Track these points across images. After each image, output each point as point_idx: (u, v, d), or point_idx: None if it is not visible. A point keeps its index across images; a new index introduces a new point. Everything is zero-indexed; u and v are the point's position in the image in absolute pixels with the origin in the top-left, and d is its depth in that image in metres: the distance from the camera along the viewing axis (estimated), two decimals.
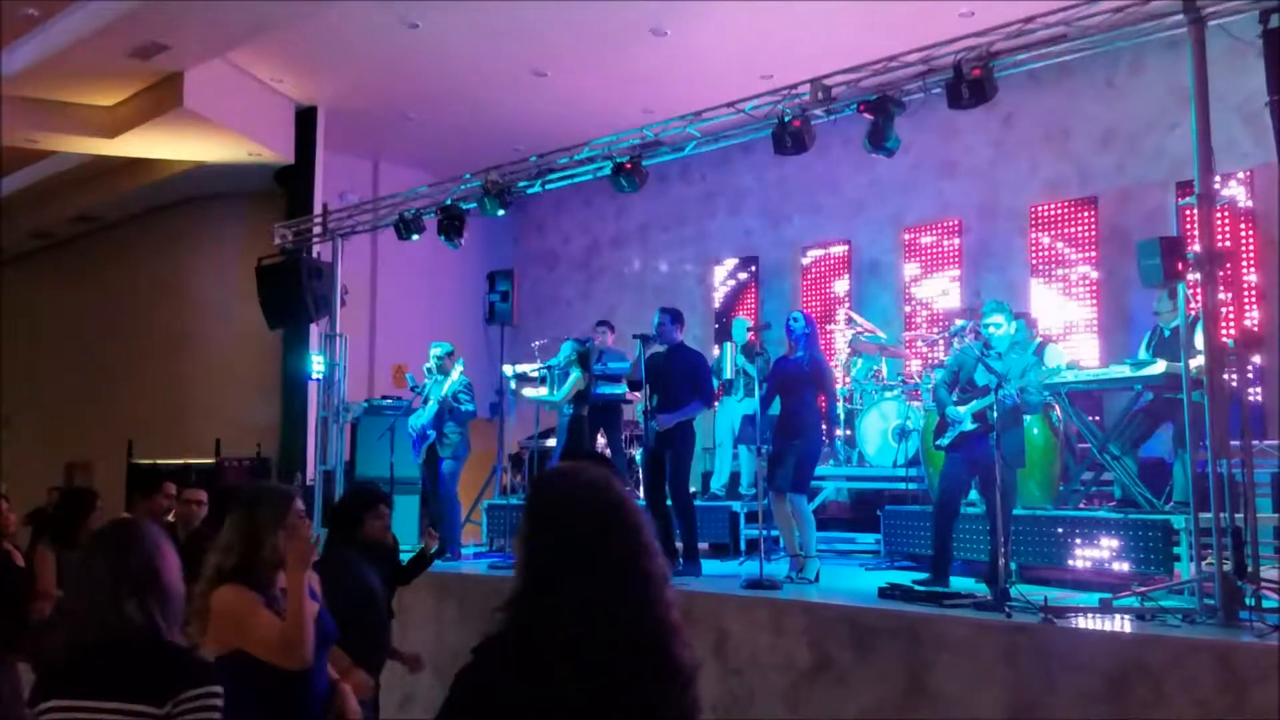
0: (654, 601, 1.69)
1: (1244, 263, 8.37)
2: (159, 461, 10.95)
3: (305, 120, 11.10)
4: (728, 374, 8.89)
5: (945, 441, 6.03)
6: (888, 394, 8.80)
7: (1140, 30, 5.10)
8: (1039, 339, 7.84)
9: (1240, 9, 4.80)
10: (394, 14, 9.04)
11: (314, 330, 10.40)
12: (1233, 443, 4.77)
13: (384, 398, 10.21)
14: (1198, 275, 4.69)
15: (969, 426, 5.87)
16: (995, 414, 5.64)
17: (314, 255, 9.63)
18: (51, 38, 9.20)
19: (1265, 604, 4.63)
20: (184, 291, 12.94)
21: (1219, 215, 6.54)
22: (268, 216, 11.91)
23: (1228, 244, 4.98)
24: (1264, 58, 4.62)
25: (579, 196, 12.27)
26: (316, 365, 9.18)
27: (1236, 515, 4.70)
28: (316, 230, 9.46)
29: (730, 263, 12.04)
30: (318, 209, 10.89)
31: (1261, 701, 4.00)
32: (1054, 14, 5.21)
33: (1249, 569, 4.58)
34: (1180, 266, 4.61)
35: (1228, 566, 4.61)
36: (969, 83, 5.21)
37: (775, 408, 7.05)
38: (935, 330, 9.75)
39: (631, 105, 10.44)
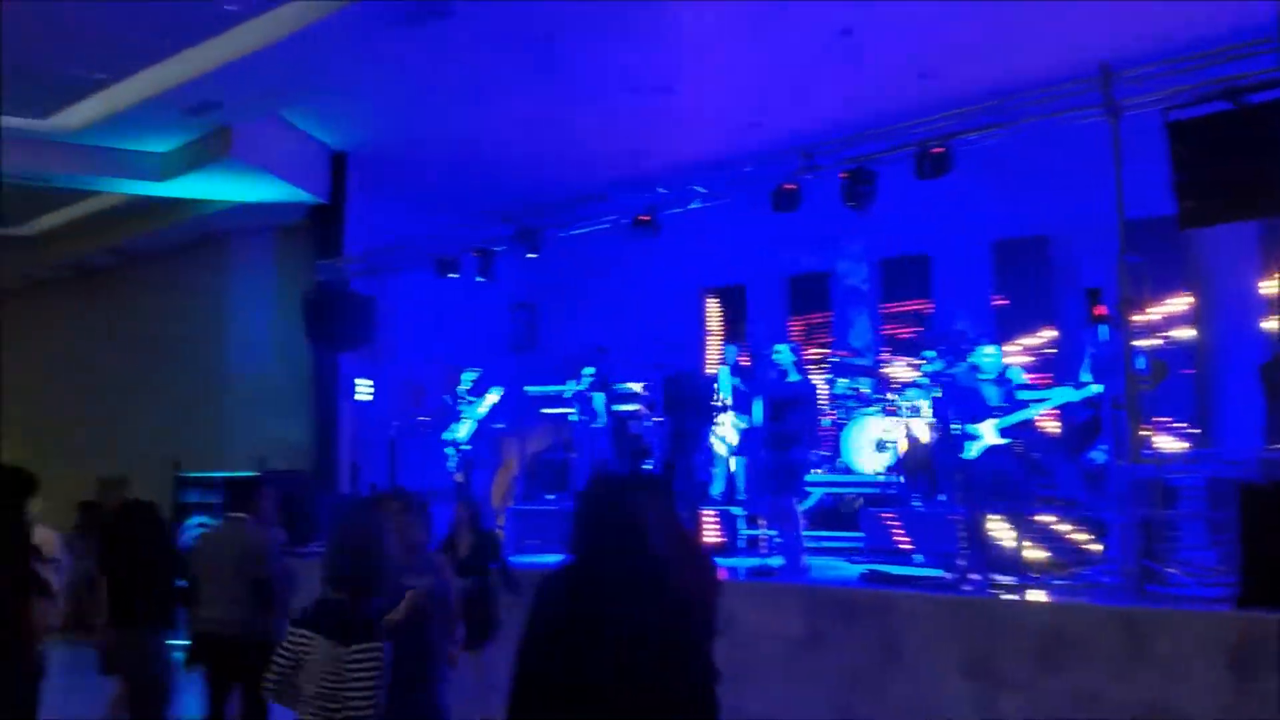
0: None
1: None
2: (204, 475, 11.99)
3: (338, 163, 12.15)
4: (726, 394, 10.04)
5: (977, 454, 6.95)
6: (868, 410, 9.94)
7: (1066, 119, 6.30)
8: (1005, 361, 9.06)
9: (1147, 104, 5.99)
10: (422, 74, 10.12)
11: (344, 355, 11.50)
12: (1144, 451, 5.96)
13: (417, 417, 11.29)
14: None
15: (1002, 441, 6.92)
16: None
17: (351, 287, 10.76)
18: (117, 95, 10.25)
19: (1171, 581, 5.81)
20: (221, 318, 13.96)
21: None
22: (299, 249, 12.97)
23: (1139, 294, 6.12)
24: (1168, 146, 5.80)
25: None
26: (362, 388, 10.26)
27: (1150, 510, 5.88)
28: (360, 267, 10.53)
29: (723, 289, 13.21)
30: (348, 245, 11.99)
31: (1161, 651, 5.15)
32: (995, 101, 6.43)
33: (1154, 552, 5.76)
34: (1100, 311, 5.81)
35: (1141, 550, 5.78)
36: (930, 158, 6.39)
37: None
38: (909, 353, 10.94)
39: (635, 147, 11.56)
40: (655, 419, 8.24)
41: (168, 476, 12.45)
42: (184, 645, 5.86)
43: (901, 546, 8.13)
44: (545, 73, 10.13)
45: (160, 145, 11.44)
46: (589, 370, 10.18)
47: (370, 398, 10.25)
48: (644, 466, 10.08)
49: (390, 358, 11.94)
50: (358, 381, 10.36)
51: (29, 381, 16.73)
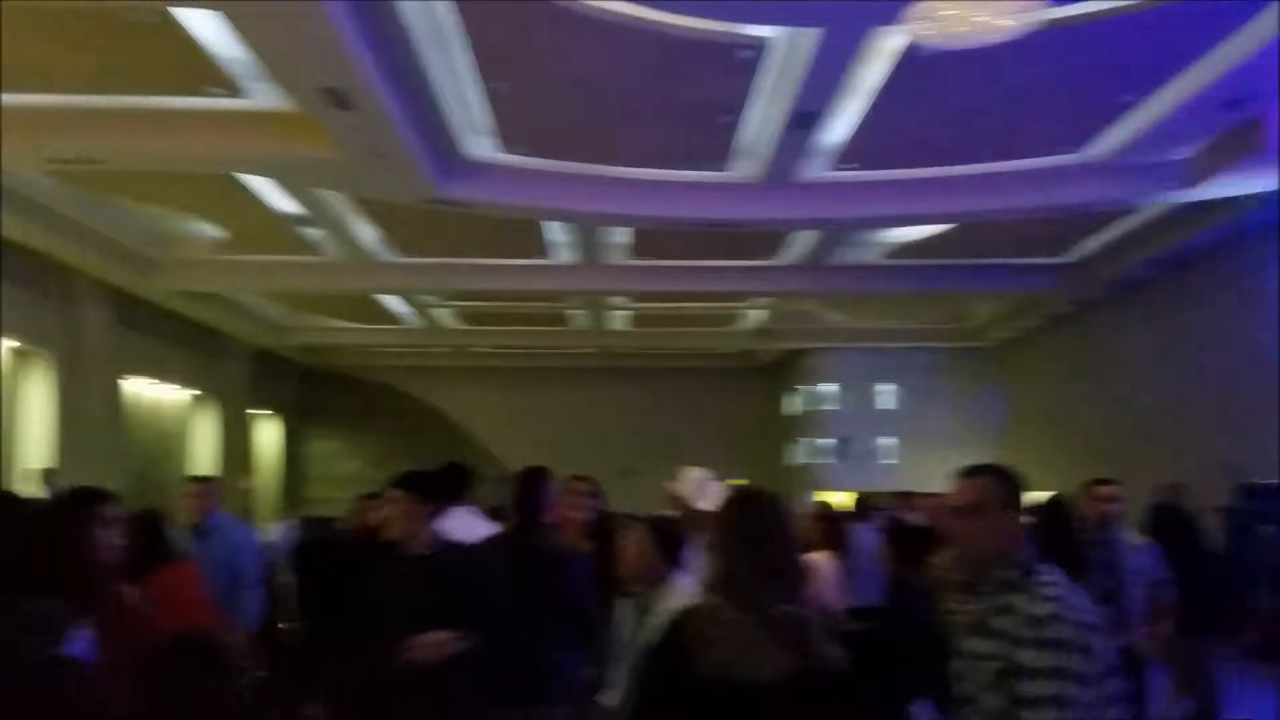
0: None
1: None
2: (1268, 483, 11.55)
3: None
4: None
5: None
6: None
7: None
8: None
9: None
10: None
11: None
12: None
13: None
14: None
15: None
16: None
17: None
18: (1142, 114, 10.72)
19: None
20: (1266, 315, 13.38)
21: None
22: None
23: None
24: None
25: None
26: None
27: None
28: None
29: None
30: None
31: None
32: None
33: None
34: None
35: None
36: None
37: None
38: None
39: None
40: None
41: (1224, 484, 12.37)
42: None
43: None
44: None
45: (1183, 152, 11.54)
46: None
47: None
48: None
49: None
50: None
51: (1085, 396, 18.34)
